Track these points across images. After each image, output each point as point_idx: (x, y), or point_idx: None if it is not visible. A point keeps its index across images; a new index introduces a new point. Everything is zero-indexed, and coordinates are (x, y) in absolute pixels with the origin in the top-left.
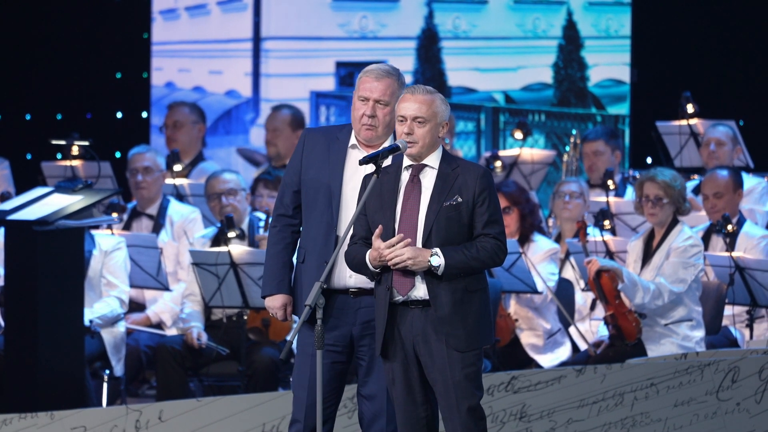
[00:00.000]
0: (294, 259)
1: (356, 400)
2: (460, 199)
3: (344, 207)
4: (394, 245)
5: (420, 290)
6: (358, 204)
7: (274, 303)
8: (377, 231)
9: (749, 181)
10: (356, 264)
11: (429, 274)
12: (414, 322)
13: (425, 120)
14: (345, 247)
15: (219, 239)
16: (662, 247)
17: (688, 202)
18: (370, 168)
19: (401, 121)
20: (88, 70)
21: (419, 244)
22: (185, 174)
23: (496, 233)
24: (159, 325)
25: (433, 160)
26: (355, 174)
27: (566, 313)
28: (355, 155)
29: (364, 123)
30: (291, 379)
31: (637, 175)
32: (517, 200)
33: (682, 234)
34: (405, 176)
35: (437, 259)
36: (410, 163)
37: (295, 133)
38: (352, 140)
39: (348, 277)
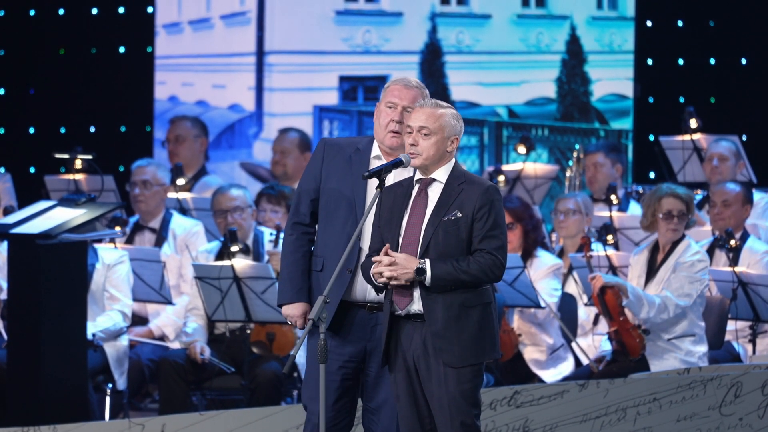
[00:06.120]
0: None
1: (360, 415)
2: (459, 214)
3: (368, 219)
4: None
5: (418, 304)
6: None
7: (294, 311)
8: (385, 248)
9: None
10: (367, 278)
11: (424, 288)
12: (414, 335)
13: (431, 132)
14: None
15: (224, 253)
16: (668, 261)
17: (694, 215)
18: (392, 180)
19: (408, 132)
20: (91, 84)
21: (417, 257)
22: (188, 188)
23: (492, 248)
24: (162, 339)
25: (442, 174)
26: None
27: (568, 331)
28: (377, 165)
29: (390, 129)
30: (301, 391)
31: (640, 189)
32: (521, 216)
33: (690, 249)
34: (415, 190)
35: (423, 269)
36: (420, 176)
37: (303, 155)
38: (375, 151)
39: (368, 291)
